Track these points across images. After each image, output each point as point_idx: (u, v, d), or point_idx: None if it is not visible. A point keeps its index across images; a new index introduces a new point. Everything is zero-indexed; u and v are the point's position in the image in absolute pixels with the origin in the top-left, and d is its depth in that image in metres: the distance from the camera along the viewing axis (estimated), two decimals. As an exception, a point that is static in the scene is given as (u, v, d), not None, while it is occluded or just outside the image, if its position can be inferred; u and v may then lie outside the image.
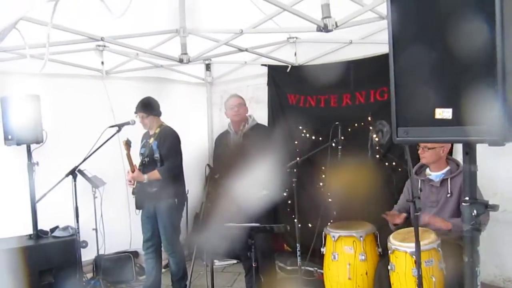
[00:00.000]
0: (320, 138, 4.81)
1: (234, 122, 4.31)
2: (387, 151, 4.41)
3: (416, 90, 1.50)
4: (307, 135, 5.06)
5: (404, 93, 1.51)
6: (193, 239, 4.03)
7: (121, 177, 4.89)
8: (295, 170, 3.72)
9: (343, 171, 3.74)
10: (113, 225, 4.77)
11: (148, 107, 4.34)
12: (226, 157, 4.22)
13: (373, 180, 4.09)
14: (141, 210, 4.40)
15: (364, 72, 4.56)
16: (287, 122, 5.23)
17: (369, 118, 4.49)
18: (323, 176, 4.54)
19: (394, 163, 4.34)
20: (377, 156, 4.41)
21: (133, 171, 4.24)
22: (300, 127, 5.13)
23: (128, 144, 4.18)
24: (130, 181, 4.32)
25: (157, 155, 4.29)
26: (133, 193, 4.35)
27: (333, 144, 3.96)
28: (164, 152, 4.28)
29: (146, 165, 4.31)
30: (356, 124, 4.60)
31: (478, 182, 1.59)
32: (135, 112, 4.34)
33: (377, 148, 4.18)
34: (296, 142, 5.08)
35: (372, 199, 3.99)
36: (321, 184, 4.71)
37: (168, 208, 4.29)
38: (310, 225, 4.63)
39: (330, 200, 4.48)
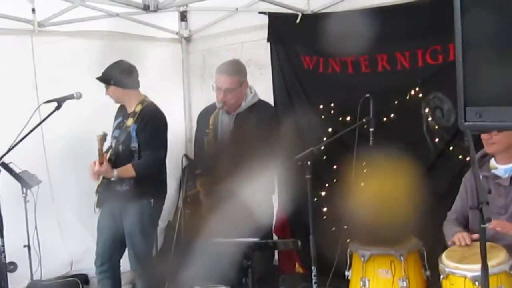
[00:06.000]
0: (348, 119, 4.73)
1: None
2: (452, 138, 4.29)
3: (492, 55, 1.46)
4: (331, 113, 4.98)
5: (476, 60, 1.48)
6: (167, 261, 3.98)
7: (64, 171, 4.81)
8: (309, 164, 3.64)
9: (380, 164, 3.66)
10: (52, 239, 4.73)
11: (121, 75, 4.23)
12: (211, 147, 4.13)
13: (427, 178, 4.02)
14: (100, 210, 4.37)
15: (405, 24, 4.47)
16: (306, 95, 5.15)
17: (417, 89, 4.45)
18: (351, 171, 4.48)
19: (461, 156, 4.21)
20: (437, 143, 4.34)
21: (101, 163, 4.14)
22: (322, 106, 5.04)
23: (104, 139, 4.14)
24: (95, 175, 4.22)
25: (134, 145, 4.25)
26: (96, 191, 4.30)
27: (365, 126, 3.88)
28: (145, 141, 4.23)
29: (120, 155, 4.26)
30: (398, 99, 4.56)
31: None
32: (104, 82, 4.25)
33: (435, 129, 4.08)
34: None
35: (423, 205, 3.92)
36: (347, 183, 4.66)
37: (141, 211, 4.26)
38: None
39: (361, 206, 4.44)
